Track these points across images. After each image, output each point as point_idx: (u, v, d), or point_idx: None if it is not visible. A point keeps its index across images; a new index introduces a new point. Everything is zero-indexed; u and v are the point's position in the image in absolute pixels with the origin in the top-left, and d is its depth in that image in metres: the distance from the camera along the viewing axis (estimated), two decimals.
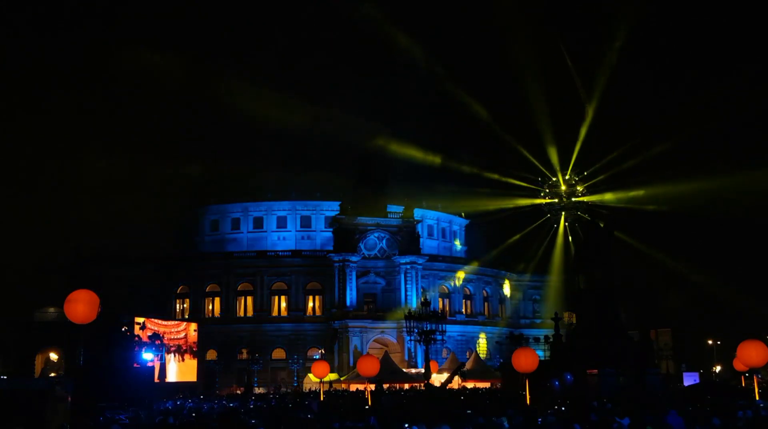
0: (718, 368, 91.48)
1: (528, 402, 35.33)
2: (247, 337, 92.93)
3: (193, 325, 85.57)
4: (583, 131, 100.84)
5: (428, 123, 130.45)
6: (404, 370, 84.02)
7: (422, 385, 68.24)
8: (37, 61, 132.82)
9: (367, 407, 39.52)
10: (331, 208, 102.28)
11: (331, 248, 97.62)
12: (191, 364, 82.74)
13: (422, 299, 77.59)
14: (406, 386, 72.35)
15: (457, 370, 77.31)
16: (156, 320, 77.31)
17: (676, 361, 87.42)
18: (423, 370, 72.72)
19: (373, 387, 52.10)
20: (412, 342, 78.84)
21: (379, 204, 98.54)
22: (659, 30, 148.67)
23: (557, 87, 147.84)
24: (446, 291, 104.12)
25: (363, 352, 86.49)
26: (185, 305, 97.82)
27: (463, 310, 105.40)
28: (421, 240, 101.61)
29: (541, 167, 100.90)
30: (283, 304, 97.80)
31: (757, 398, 34.97)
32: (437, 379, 75.69)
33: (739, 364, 43.03)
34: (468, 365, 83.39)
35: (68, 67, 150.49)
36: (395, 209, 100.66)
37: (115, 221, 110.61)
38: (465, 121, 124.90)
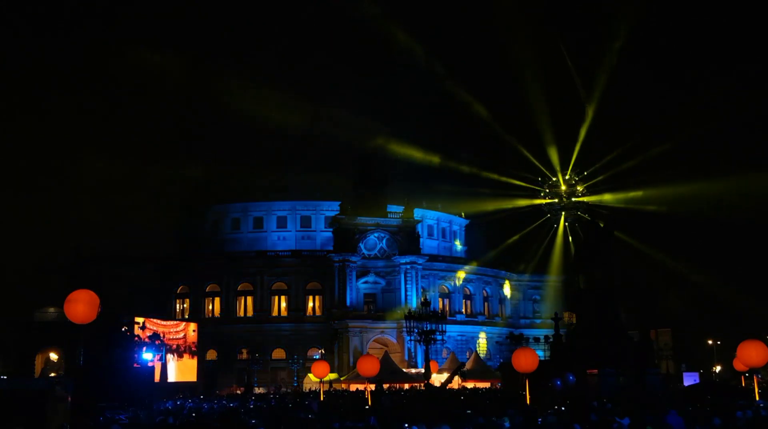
0: (718, 368, 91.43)
1: (528, 402, 35.32)
2: (247, 337, 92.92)
3: (192, 325, 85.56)
4: (583, 131, 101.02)
5: (428, 123, 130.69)
6: (404, 370, 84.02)
7: (422, 385, 68.24)
8: (37, 61, 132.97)
9: (367, 407, 39.53)
10: (331, 208, 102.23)
11: (331, 248, 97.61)
12: (191, 364, 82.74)
13: (422, 299, 77.65)
14: (406, 386, 72.33)
15: (457, 370, 77.29)
16: (155, 320, 77.26)
17: (676, 361, 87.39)
18: (423, 370, 72.77)
19: (373, 387, 52.09)
20: (412, 342, 78.91)
21: (379, 204, 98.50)
22: (659, 30, 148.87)
23: (557, 87, 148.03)
24: (446, 291, 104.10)
25: (363, 352, 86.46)
26: (185, 305, 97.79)
27: (463, 310, 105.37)
28: (421, 240, 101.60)
29: (541, 167, 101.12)
30: (283, 304, 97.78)
31: (757, 398, 34.97)
32: (437, 379, 75.69)
33: (739, 364, 43.01)
34: (468, 365, 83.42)
35: (68, 67, 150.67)
36: (395, 209, 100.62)
37: (115, 221, 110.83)
38: (465, 120, 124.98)
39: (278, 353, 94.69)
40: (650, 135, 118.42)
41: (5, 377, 63.63)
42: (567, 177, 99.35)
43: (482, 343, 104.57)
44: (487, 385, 73.20)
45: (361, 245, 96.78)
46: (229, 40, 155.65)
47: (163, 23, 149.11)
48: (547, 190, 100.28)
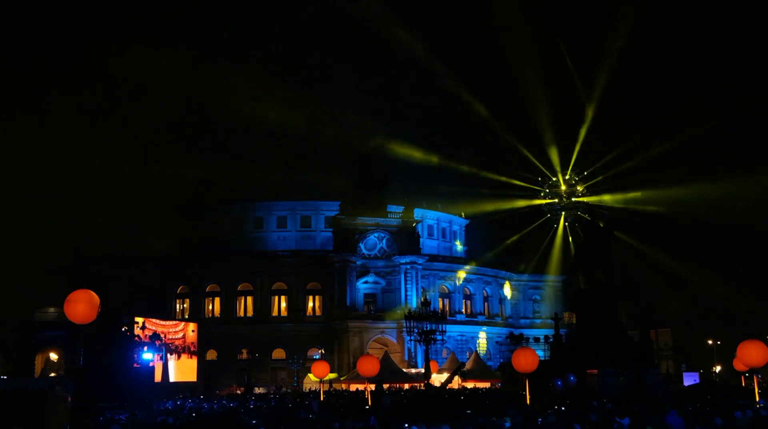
0: (718, 368, 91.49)
1: (528, 402, 35.30)
2: (247, 337, 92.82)
3: (192, 325, 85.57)
4: (583, 131, 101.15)
5: (428, 123, 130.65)
6: (404, 370, 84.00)
7: (422, 385, 68.25)
8: (37, 61, 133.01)
9: (367, 407, 39.50)
10: (331, 208, 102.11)
11: (331, 248, 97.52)
12: (191, 364, 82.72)
13: (422, 299, 77.65)
14: (406, 386, 72.35)
15: (457, 370, 77.27)
16: (155, 320, 77.25)
17: (676, 361, 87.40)
18: (423, 370, 72.75)
19: (373, 387, 52.09)
20: (412, 342, 78.88)
21: (379, 204, 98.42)
22: (659, 30, 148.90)
23: (557, 87, 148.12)
24: (446, 291, 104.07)
25: (363, 352, 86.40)
26: (185, 305, 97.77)
27: (463, 310, 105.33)
28: (421, 240, 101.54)
29: (541, 167, 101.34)
30: (283, 304, 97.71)
31: (757, 398, 34.95)
32: (437, 379, 75.67)
33: (739, 364, 42.95)
34: (468, 365, 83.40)
35: (68, 67, 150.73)
36: (395, 209, 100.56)
37: (115, 221, 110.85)
38: (465, 120, 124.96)
39: (278, 353, 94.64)
40: (650, 135, 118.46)
41: (5, 377, 63.71)
42: (567, 177, 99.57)
43: (482, 343, 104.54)
44: (487, 385, 73.20)
45: (361, 245, 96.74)
46: (229, 40, 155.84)
47: (163, 23, 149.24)
48: (547, 190, 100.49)
